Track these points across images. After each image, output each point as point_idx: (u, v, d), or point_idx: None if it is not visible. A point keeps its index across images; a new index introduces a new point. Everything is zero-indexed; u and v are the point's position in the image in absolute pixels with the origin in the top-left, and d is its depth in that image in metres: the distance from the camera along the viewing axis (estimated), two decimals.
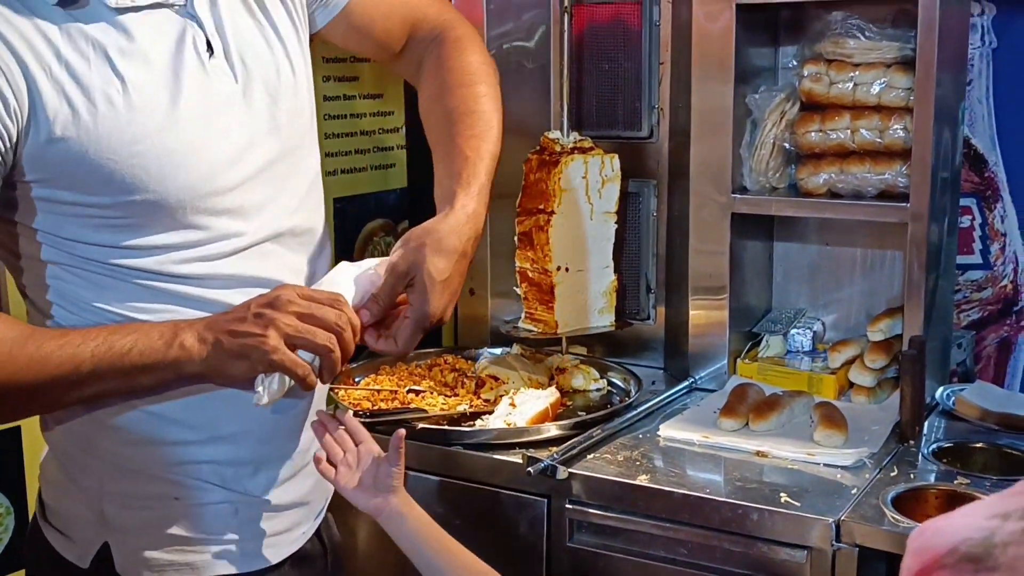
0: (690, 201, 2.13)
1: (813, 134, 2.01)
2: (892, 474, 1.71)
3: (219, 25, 1.27)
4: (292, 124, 1.35)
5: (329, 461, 1.39)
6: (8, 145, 1.13)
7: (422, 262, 1.29)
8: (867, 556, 1.53)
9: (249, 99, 1.29)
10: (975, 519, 0.53)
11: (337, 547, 1.53)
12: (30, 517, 1.41)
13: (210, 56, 1.26)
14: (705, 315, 2.15)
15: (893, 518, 1.54)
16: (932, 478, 1.71)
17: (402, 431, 1.39)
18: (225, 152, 1.25)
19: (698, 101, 2.09)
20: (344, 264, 1.34)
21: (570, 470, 1.72)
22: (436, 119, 1.51)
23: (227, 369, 1.17)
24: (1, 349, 1.14)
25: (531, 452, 1.75)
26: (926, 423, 1.91)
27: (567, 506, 1.74)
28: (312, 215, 1.40)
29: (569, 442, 1.78)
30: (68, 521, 1.33)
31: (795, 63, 2.11)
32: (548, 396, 1.95)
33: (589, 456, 1.78)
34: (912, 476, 1.70)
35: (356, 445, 1.41)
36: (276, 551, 1.37)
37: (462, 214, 1.35)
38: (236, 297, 1.26)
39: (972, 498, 1.62)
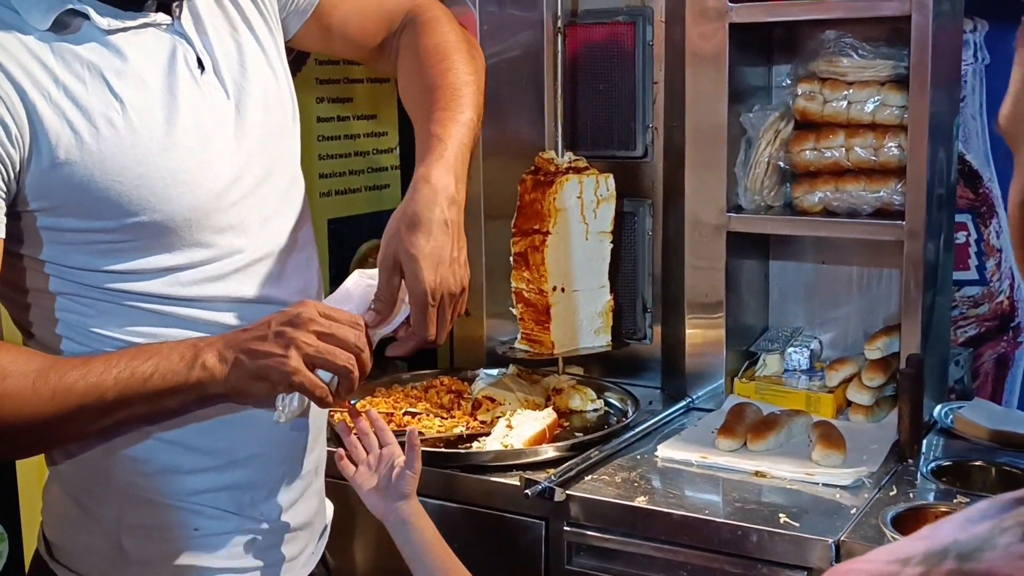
0: (685, 220, 2.12)
1: (808, 152, 2.02)
2: (891, 493, 1.71)
3: (206, 42, 1.28)
4: (282, 136, 1.36)
5: (350, 459, 1.44)
6: (12, 173, 1.13)
7: (400, 244, 1.27)
8: None
9: (242, 114, 1.29)
10: (878, 564, 0.52)
11: (335, 570, 1.53)
12: (24, 545, 1.39)
13: (201, 73, 1.26)
14: (702, 334, 2.15)
15: (893, 538, 1.53)
16: (931, 497, 1.70)
17: (415, 428, 1.42)
18: (225, 168, 1.25)
19: (692, 120, 2.09)
20: (356, 273, 1.35)
21: (568, 492, 1.71)
22: (411, 102, 1.49)
23: (248, 389, 1.17)
24: (24, 383, 1.13)
25: (528, 474, 1.74)
26: (925, 441, 1.91)
27: (565, 528, 1.73)
28: (306, 227, 1.41)
29: (566, 464, 1.78)
30: (82, 558, 1.30)
31: (789, 82, 2.12)
32: (545, 417, 1.94)
33: (587, 478, 1.77)
34: (911, 495, 1.69)
35: (380, 447, 1.45)
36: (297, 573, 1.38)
37: (427, 188, 1.30)
38: (237, 318, 1.26)
39: None
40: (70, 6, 1.16)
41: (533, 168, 2.17)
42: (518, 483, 1.73)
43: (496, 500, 1.80)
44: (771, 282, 2.29)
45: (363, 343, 1.21)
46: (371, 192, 2.52)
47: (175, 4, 1.25)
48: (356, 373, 1.19)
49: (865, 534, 1.56)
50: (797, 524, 1.60)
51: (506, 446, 1.85)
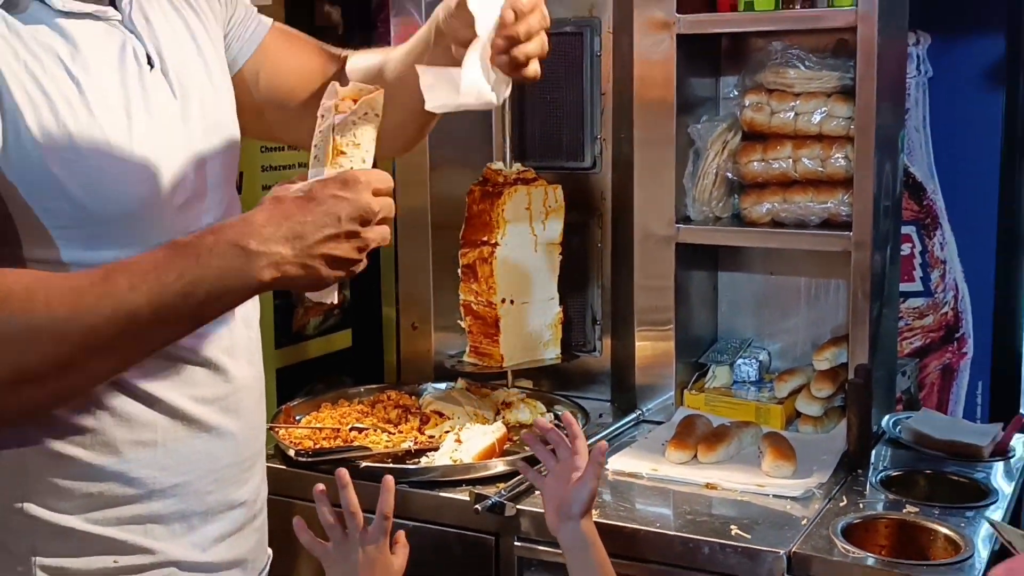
0: (634, 231, 2.13)
1: (755, 163, 2.04)
2: (842, 504, 1.72)
3: (154, 40, 1.27)
4: (223, 142, 1.35)
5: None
6: None
7: None
8: None
9: (187, 115, 1.29)
10: None
11: None
12: None
13: (150, 69, 1.25)
14: (651, 346, 2.15)
15: (844, 548, 1.55)
16: (881, 507, 1.72)
17: (604, 444, 1.52)
18: (176, 164, 1.24)
19: (641, 131, 2.10)
20: None
21: (518, 506, 1.70)
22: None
23: (314, 287, 1.16)
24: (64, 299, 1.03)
25: (478, 489, 1.73)
26: (873, 452, 1.93)
27: (516, 543, 1.72)
28: None
29: (516, 478, 1.76)
30: None
31: (736, 93, 2.14)
32: (494, 431, 1.93)
33: (537, 492, 1.76)
34: (861, 505, 1.71)
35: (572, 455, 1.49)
36: None
37: None
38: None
39: (921, 526, 1.64)
40: None
41: (481, 179, 2.17)
42: (468, 498, 1.72)
43: (446, 516, 1.78)
44: (720, 293, 2.30)
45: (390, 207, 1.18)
46: None
47: (121, 1, 1.25)
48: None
49: (816, 545, 1.57)
50: (748, 536, 1.60)
51: (455, 461, 1.83)
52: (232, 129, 1.39)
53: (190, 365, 1.27)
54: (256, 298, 1.38)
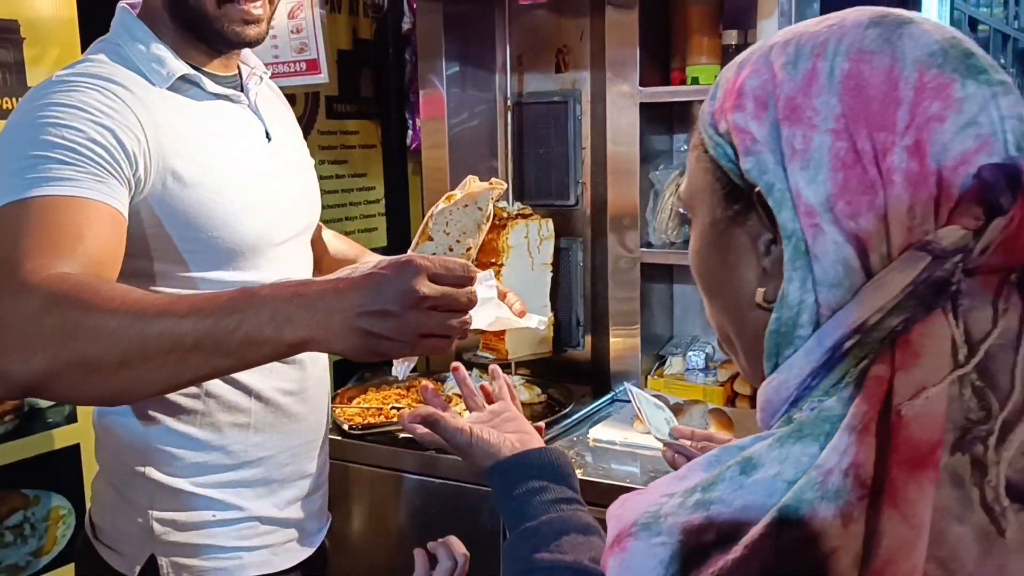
0: (608, 254, 2.16)
1: None
2: None
3: (270, 121, 1.34)
4: (310, 201, 1.42)
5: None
6: (134, 179, 1.11)
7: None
8: None
9: (291, 179, 1.35)
10: (652, 496, 0.56)
11: (328, 551, 1.50)
12: (85, 525, 1.37)
13: (268, 141, 1.32)
14: (622, 342, 2.17)
15: None
16: None
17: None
18: (279, 213, 1.29)
19: (612, 177, 2.12)
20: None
21: None
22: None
23: (358, 358, 0.89)
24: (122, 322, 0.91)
25: None
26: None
27: None
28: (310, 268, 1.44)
29: None
30: (119, 538, 1.28)
31: (686, 147, 2.16)
32: None
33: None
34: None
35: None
36: (296, 555, 1.36)
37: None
38: None
39: None
40: (184, 73, 1.21)
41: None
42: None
43: (465, 475, 1.80)
44: (675, 301, 2.32)
45: (473, 296, 0.90)
46: (362, 233, 2.53)
47: (249, 89, 1.32)
48: (466, 328, 0.91)
49: None
50: None
51: None
52: (314, 193, 1.44)
53: (279, 362, 1.27)
54: None
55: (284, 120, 1.42)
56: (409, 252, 0.99)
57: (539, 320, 1.30)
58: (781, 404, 0.57)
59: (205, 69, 1.26)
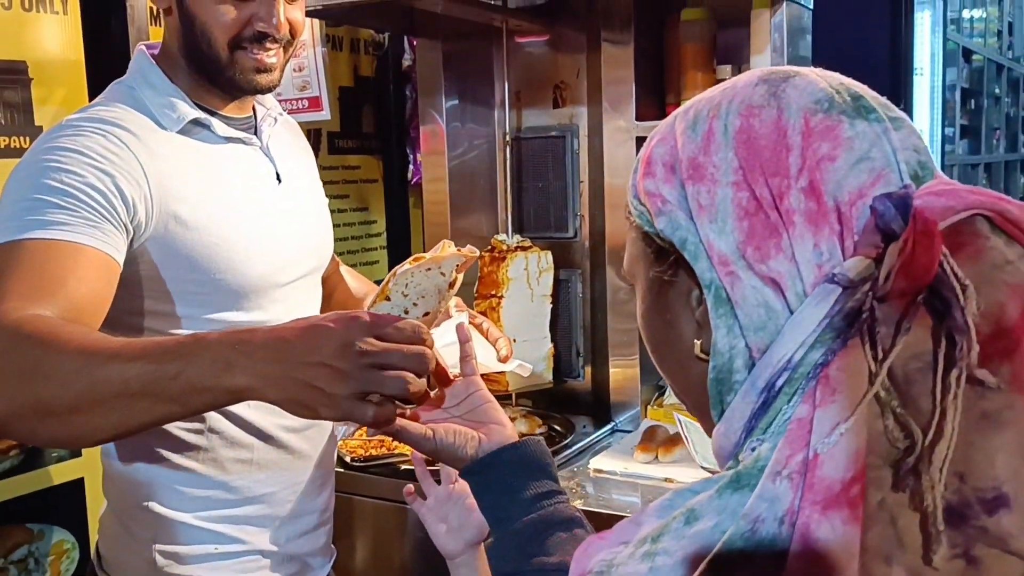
0: (607, 285, 2.17)
1: None
2: None
3: (282, 163, 1.34)
4: (324, 244, 1.42)
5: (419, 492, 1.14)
6: (132, 225, 1.13)
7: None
8: None
9: (301, 221, 1.34)
10: (608, 543, 0.57)
11: None
12: (92, 556, 1.37)
13: (278, 184, 1.32)
14: (622, 373, 2.18)
15: None
16: None
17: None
18: (287, 253, 1.29)
19: (609, 210, 2.15)
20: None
21: None
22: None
23: (291, 410, 0.83)
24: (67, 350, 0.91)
25: None
26: None
27: None
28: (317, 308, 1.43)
29: None
30: (123, 570, 1.29)
31: None
32: None
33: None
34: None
35: (454, 482, 1.13)
36: None
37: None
38: None
39: None
40: (195, 117, 1.23)
41: (490, 247, 2.21)
42: None
43: None
44: None
45: (423, 361, 0.82)
46: (364, 266, 2.56)
47: (263, 131, 1.32)
48: (414, 392, 0.82)
49: None
50: None
51: None
52: (325, 233, 1.43)
53: None
54: None
55: (299, 160, 1.41)
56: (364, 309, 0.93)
57: (519, 364, 1.31)
58: (731, 448, 0.58)
59: (219, 112, 1.27)
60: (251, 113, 1.34)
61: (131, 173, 1.13)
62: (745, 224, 0.56)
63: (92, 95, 1.83)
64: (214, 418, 1.24)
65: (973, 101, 6.23)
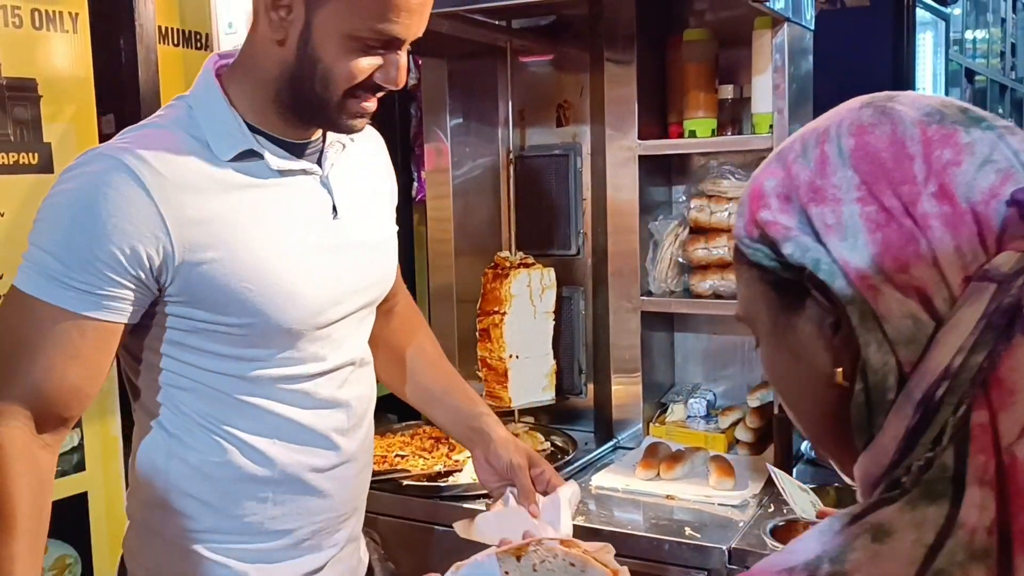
0: (610, 303, 2.18)
1: (700, 251, 2.07)
2: (770, 510, 1.74)
3: (343, 194, 1.25)
4: (380, 281, 1.33)
5: None
6: (154, 279, 1.12)
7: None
8: None
9: (355, 257, 1.26)
10: (769, 574, 0.56)
11: None
12: (94, 569, 1.35)
13: (334, 217, 1.24)
14: (624, 390, 2.18)
15: (772, 545, 1.58)
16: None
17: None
18: (331, 294, 1.22)
19: (612, 227, 2.15)
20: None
21: None
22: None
23: None
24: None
25: (492, 500, 1.76)
26: (795, 469, 1.94)
27: None
28: (368, 348, 1.37)
29: None
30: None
31: (684, 198, 2.19)
32: None
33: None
34: (785, 511, 1.72)
35: None
36: None
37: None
38: (299, 413, 1.22)
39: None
40: (250, 147, 1.16)
41: (493, 264, 2.22)
42: (485, 508, 1.74)
43: None
44: (676, 349, 2.33)
45: None
46: None
47: (327, 157, 1.24)
48: None
49: (751, 541, 1.60)
50: (699, 535, 1.63)
51: (475, 479, 1.85)
52: (386, 266, 1.34)
53: (308, 440, 1.23)
54: (374, 389, 1.36)
55: (368, 185, 1.32)
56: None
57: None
58: (882, 470, 0.56)
59: (277, 136, 1.19)
60: (319, 136, 1.25)
61: (149, 230, 1.09)
62: (878, 236, 0.56)
63: (101, 113, 1.86)
64: (232, 450, 1.21)
65: None
